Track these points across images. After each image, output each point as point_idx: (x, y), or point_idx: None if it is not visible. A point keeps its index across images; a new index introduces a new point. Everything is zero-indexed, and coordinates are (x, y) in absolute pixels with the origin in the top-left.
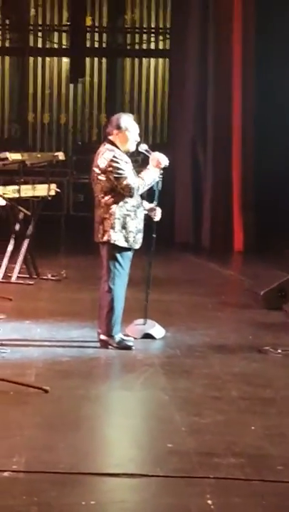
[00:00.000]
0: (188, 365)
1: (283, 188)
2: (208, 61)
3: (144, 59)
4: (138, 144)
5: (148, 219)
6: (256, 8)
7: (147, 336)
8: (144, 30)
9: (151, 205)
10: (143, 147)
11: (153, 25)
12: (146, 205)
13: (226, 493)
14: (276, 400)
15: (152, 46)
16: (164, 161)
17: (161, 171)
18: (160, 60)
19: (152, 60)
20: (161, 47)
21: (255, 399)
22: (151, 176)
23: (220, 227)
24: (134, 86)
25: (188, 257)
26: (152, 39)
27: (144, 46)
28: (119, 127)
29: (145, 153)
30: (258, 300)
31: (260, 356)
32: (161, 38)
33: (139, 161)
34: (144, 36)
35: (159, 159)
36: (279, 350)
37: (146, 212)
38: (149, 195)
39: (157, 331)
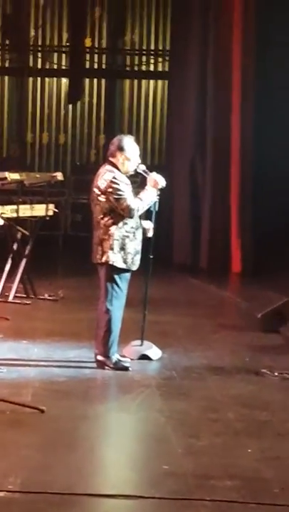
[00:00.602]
0: (185, 386)
1: (281, 210)
2: (208, 84)
3: (143, 80)
4: (137, 165)
5: (143, 239)
6: (256, 33)
7: (144, 357)
8: (144, 52)
9: (149, 223)
10: (141, 168)
11: (152, 47)
12: (143, 223)
13: None
14: (273, 422)
15: (152, 68)
16: (162, 181)
17: (159, 192)
18: (159, 81)
19: (151, 82)
20: (160, 69)
21: (251, 421)
22: (149, 196)
23: (218, 248)
24: (133, 107)
25: (185, 278)
26: (152, 61)
27: (144, 68)
28: (120, 149)
29: (143, 173)
30: (255, 322)
31: (257, 379)
32: (160, 59)
33: (138, 182)
34: (144, 58)
35: (157, 180)
36: (276, 373)
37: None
38: (146, 216)
39: (154, 352)
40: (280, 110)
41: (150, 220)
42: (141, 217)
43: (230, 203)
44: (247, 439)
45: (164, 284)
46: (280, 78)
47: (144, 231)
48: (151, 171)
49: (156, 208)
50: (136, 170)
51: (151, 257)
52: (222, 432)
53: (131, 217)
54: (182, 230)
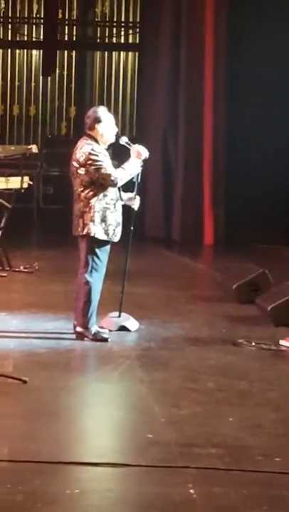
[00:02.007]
0: (164, 357)
1: (252, 182)
2: (180, 55)
3: (114, 52)
4: (118, 137)
5: (127, 210)
6: (229, 1)
7: (122, 329)
8: (114, 24)
9: (130, 195)
10: (124, 140)
11: (123, 19)
12: (125, 195)
13: (207, 482)
14: (252, 392)
15: (122, 40)
16: (145, 152)
17: (142, 163)
18: (130, 53)
19: (122, 54)
20: (131, 41)
21: (231, 391)
22: (133, 167)
23: (190, 221)
24: (104, 79)
25: (159, 250)
26: (122, 33)
27: (114, 40)
28: (97, 120)
29: (126, 145)
30: (230, 294)
31: (234, 349)
32: (131, 31)
33: (110, 154)
34: (114, 30)
35: (140, 151)
36: (253, 343)
37: (124, 202)
38: (128, 187)
39: (132, 323)
40: (254, 79)
41: (133, 191)
42: (120, 189)
43: (203, 176)
44: (228, 408)
45: (138, 256)
46: (252, 44)
47: (130, 204)
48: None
49: (139, 180)
50: (119, 142)
51: (132, 228)
52: (203, 401)
53: (114, 186)
54: (155, 203)
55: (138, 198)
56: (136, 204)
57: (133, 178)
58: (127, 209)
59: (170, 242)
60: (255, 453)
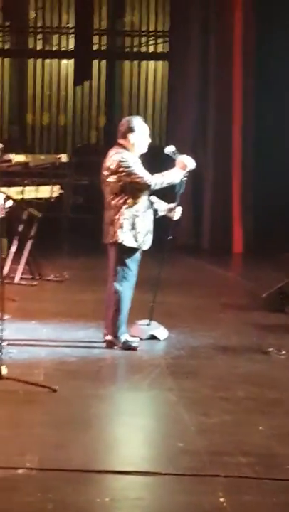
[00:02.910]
0: (193, 366)
1: (282, 190)
2: (209, 64)
3: (143, 62)
4: (166, 146)
5: (166, 219)
6: (258, 10)
7: (152, 337)
8: (144, 33)
9: (171, 206)
10: (170, 149)
11: (152, 28)
12: (165, 205)
13: (237, 491)
14: (282, 400)
15: (152, 49)
16: (191, 164)
17: (186, 174)
18: (159, 63)
19: (151, 63)
20: (160, 50)
21: (261, 399)
22: (173, 176)
23: (219, 229)
24: (133, 89)
25: (188, 259)
26: (152, 42)
27: (144, 49)
28: (130, 130)
29: (172, 155)
30: (259, 302)
31: (264, 357)
32: (160, 40)
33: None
34: (144, 39)
35: (185, 162)
36: (283, 352)
37: (164, 213)
38: (170, 197)
39: (161, 332)
40: (283, 88)
41: (175, 200)
42: (151, 201)
43: (232, 184)
44: (257, 417)
45: (167, 265)
46: (282, 56)
47: (170, 214)
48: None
49: (182, 190)
50: (165, 151)
51: (169, 238)
52: (232, 409)
53: (148, 188)
54: (184, 211)
55: (180, 208)
56: (177, 214)
57: (176, 187)
58: (165, 218)
59: (199, 250)
60: (285, 461)
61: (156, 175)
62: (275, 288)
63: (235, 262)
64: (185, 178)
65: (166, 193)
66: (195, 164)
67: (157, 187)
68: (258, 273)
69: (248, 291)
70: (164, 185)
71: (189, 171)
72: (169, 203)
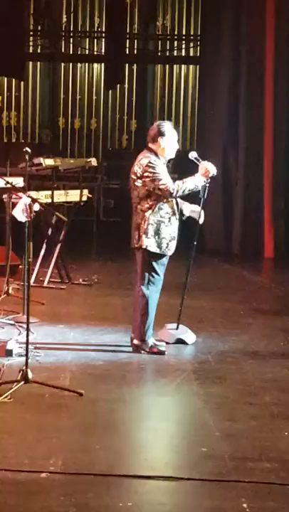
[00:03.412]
0: (220, 370)
1: None
2: (240, 69)
3: (174, 66)
4: (189, 152)
5: (190, 225)
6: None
7: (179, 342)
8: (175, 37)
9: (195, 208)
10: (193, 155)
11: (184, 32)
12: (189, 206)
13: (261, 497)
14: None
15: (183, 53)
16: (213, 170)
17: (209, 180)
18: (191, 66)
19: (183, 67)
20: (192, 54)
21: (287, 405)
22: (195, 182)
23: (250, 233)
24: (165, 93)
25: (219, 263)
26: (183, 46)
27: (175, 53)
28: (161, 134)
29: (195, 161)
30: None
31: None
32: (192, 44)
33: (169, 168)
34: (175, 43)
35: (208, 168)
36: None
37: (188, 214)
38: (193, 203)
39: (189, 336)
40: None
41: (199, 205)
42: (178, 204)
43: (263, 189)
44: (284, 423)
45: (197, 269)
46: None
47: (195, 216)
48: (182, 157)
49: (206, 196)
50: (188, 157)
51: (194, 243)
52: (259, 415)
53: (170, 197)
54: (215, 216)
55: (202, 212)
56: (201, 218)
57: (200, 193)
58: (190, 224)
59: (230, 255)
60: None
61: (178, 182)
62: None
63: (265, 266)
64: (208, 184)
65: (190, 199)
66: (216, 170)
67: (179, 194)
68: (288, 278)
69: (278, 296)
70: (186, 192)
71: (212, 177)
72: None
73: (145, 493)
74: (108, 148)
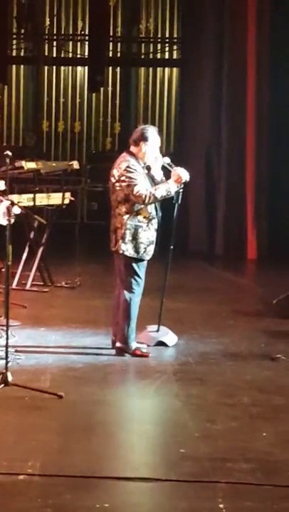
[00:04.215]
0: (201, 372)
1: None
2: (222, 70)
3: (158, 68)
4: (161, 157)
5: (168, 228)
6: (271, 15)
7: (160, 344)
8: (159, 40)
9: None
10: (165, 160)
11: (167, 35)
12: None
13: (237, 497)
14: (287, 407)
15: (166, 56)
16: (185, 176)
17: (182, 185)
18: (174, 69)
19: (166, 70)
20: (175, 56)
21: (267, 406)
22: (168, 188)
23: (233, 235)
24: (149, 95)
25: (201, 265)
26: (166, 49)
27: (159, 56)
28: (144, 139)
29: (167, 167)
30: (270, 308)
31: (272, 364)
32: (175, 47)
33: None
34: (159, 46)
35: (180, 174)
36: None
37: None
38: (168, 208)
39: (170, 338)
40: None
41: (172, 213)
42: (157, 208)
43: (246, 191)
44: (262, 423)
45: (180, 271)
46: None
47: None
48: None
49: (179, 201)
50: (161, 163)
51: (172, 247)
52: (238, 416)
53: (142, 204)
54: (198, 217)
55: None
56: (183, 175)
57: (173, 199)
58: (167, 227)
59: (213, 256)
60: (287, 468)
61: (151, 189)
62: (286, 294)
63: (248, 268)
64: (181, 190)
65: (164, 204)
66: (188, 177)
67: (152, 201)
68: (271, 279)
69: (259, 298)
70: (159, 199)
71: (184, 183)
72: (167, 214)
73: (123, 495)
74: (92, 151)
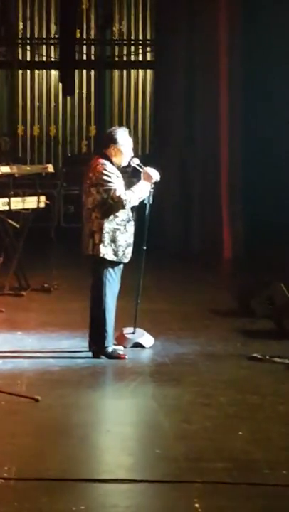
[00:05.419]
0: (177, 372)
1: (271, 195)
2: (195, 72)
3: (132, 70)
4: (130, 158)
5: (141, 229)
6: (243, 17)
7: (137, 345)
8: (132, 42)
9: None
10: (135, 161)
11: (141, 37)
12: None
13: (213, 496)
14: (263, 405)
15: (140, 58)
16: (156, 176)
17: (153, 186)
18: (148, 71)
19: (140, 72)
20: (149, 58)
21: (242, 405)
22: (142, 189)
23: (209, 235)
24: (123, 98)
25: (177, 265)
26: (140, 51)
27: (132, 58)
28: (113, 141)
29: (137, 167)
30: (246, 308)
31: (248, 363)
32: (148, 49)
33: (129, 172)
34: (132, 48)
35: (150, 174)
36: (267, 357)
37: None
38: (140, 209)
39: (146, 339)
40: (271, 93)
41: (144, 212)
42: (133, 210)
43: (221, 191)
44: (238, 422)
45: (156, 272)
46: (268, 59)
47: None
48: (141, 160)
49: (151, 201)
50: (130, 163)
51: (144, 248)
52: (214, 415)
53: (123, 208)
54: (173, 219)
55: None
56: (154, 175)
57: (144, 200)
58: (140, 228)
59: (189, 257)
60: (263, 466)
61: (128, 192)
62: (262, 294)
63: (224, 267)
64: (152, 190)
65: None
66: (159, 176)
67: (131, 204)
68: (247, 279)
69: (235, 298)
70: (137, 200)
71: (155, 183)
72: (139, 214)
73: (99, 496)
74: (68, 154)
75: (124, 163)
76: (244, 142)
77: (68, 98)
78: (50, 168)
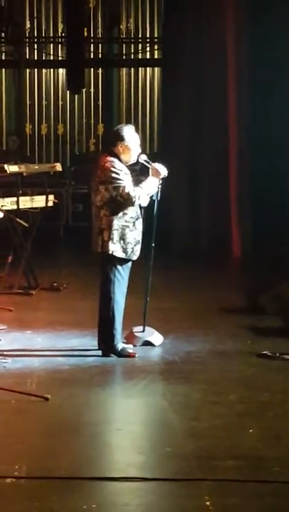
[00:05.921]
0: (186, 371)
1: (280, 193)
2: (203, 70)
3: (140, 68)
4: (138, 155)
5: (149, 227)
6: (250, 15)
7: (146, 344)
8: (140, 40)
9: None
10: (142, 158)
11: (148, 35)
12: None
13: (223, 494)
14: (273, 403)
15: (148, 56)
16: (163, 171)
17: (161, 182)
18: (156, 69)
19: (148, 70)
20: (156, 56)
21: (252, 403)
22: (150, 185)
23: (217, 233)
24: (131, 96)
25: (186, 264)
26: (148, 49)
27: (140, 56)
28: (120, 138)
29: (145, 163)
30: (256, 306)
31: (258, 361)
32: (156, 47)
33: (137, 170)
34: (140, 46)
35: (158, 170)
36: (277, 355)
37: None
38: (148, 207)
39: (156, 338)
40: (278, 93)
41: (153, 209)
42: (141, 207)
43: (230, 189)
44: (248, 420)
45: (164, 270)
46: (275, 59)
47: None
48: (150, 158)
49: (159, 197)
50: (138, 160)
51: (153, 245)
52: (223, 413)
53: (132, 205)
54: (182, 217)
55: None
56: (162, 171)
57: (152, 196)
58: (149, 226)
59: (197, 255)
60: (273, 464)
61: (137, 189)
62: (271, 291)
63: (233, 266)
64: (160, 186)
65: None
66: (167, 172)
67: (140, 201)
68: (256, 277)
69: (245, 296)
70: (146, 197)
71: (163, 178)
72: (148, 212)
73: (109, 495)
74: (76, 152)
75: (133, 160)
76: (253, 138)
77: (76, 97)
78: (59, 166)
